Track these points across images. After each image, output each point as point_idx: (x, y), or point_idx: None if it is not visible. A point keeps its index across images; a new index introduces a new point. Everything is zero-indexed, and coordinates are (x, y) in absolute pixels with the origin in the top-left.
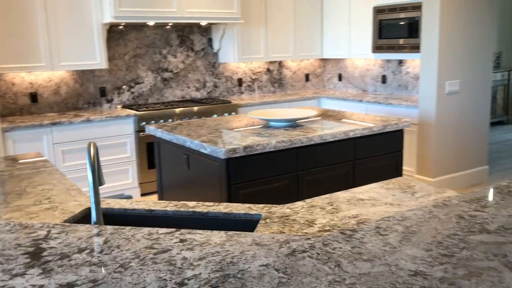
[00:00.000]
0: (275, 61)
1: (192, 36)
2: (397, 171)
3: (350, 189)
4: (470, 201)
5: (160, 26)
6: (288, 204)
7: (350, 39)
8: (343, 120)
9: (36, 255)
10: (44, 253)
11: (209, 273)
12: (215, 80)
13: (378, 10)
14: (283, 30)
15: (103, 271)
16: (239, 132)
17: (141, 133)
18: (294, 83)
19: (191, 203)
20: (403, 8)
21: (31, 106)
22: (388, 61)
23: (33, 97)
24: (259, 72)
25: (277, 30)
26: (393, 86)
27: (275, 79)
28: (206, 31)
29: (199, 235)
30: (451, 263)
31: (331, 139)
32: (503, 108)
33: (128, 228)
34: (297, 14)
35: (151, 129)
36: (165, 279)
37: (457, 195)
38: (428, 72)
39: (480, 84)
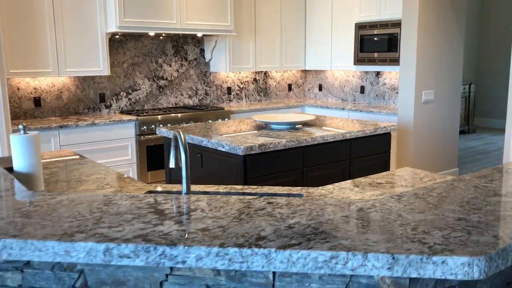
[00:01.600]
0: (261, 72)
1: (186, 46)
2: (385, 170)
3: (367, 176)
4: (479, 177)
5: (156, 37)
6: (320, 187)
7: (332, 52)
8: (337, 124)
9: (160, 212)
10: (166, 212)
11: (306, 221)
12: (206, 88)
13: (359, 26)
14: (270, 42)
15: (223, 221)
16: (247, 133)
17: (142, 137)
18: (278, 92)
19: (238, 186)
20: (383, 24)
21: (34, 110)
22: (366, 72)
23: (37, 101)
24: (246, 81)
25: (265, 42)
26: (371, 96)
27: (261, 88)
28: (199, 42)
29: (280, 199)
30: (482, 213)
31: (331, 140)
32: (464, 118)
33: (218, 196)
34: (283, 28)
35: (164, 131)
36: (275, 225)
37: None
38: (406, 82)
39: (451, 95)
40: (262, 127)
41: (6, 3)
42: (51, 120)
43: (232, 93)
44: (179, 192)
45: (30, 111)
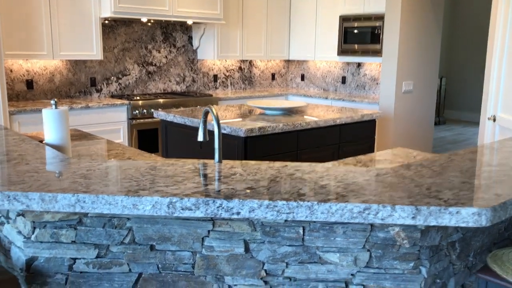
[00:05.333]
0: (246, 60)
1: (175, 33)
2: None
3: (366, 154)
4: (470, 152)
5: (147, 23)
6: (325, 163)
7: (316, 43)
8: (327, 111)
9: (205, 176)
10: (210, 175)
11: (335, 183)
12: (194, 75)
13: (344, 19)
14: (257, 32)
15: (263, 182)
16: (243, 118)
17: (134, 121)
18: (262, 81)
19: (252, 162)
20: (366, 18)
21: (26, 93)
22: (348, 64)
23: (29, 84)
24: (232, 69)
25: (251, 31)
26: (352, 86)
27: (246, 76)
28: (187, 29)
29: (305, 166)
30: (481, 178)
31: (323, 125)
32: (435, 110)
33: (250, 163)
34: (269, 18)
35: (161, 114)
36: (309, 185)
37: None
38: (388, 73)
39: (428, 86)
40: (259, 112)
41: None
42: (44, 103)
43: (218, 81)
44: None
45: (22, 93)
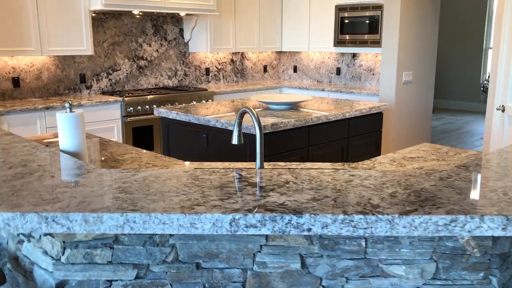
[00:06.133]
0: (238, 53)
1: (166, 26)
2: (376, 148)
3: (395, 151)
4: (506, 152)
5: (136, 15)
6: (359, 162)
7: (310, 34)
8: (332, 104)
9: (253, 184)
10: (261, 184)
11: (402, 190)
12: (185, 69)
13: (340, 8)
14: (249, 23)
15: (325, 192)
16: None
17: (128, 118)
18: (254, 73)
19: (281, 163)
20: (364, 7)
21: (13, 91)
22: (343, 54)
23: (16, 82)
24: (224, 62)
25: (244, 23)
26: (347, 78)
27: (238, 69)
28: (178, 21)
29: (358, 171)
30: None
31: (334, 119)
32: None
33: (297, 169)
34: (261, 9)
35: (163, 111)
36: (377, 194)
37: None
38: (388, 64)
39: (427, 75)
40: (263, 106)
41: None
42: (33, 102)
43: (210, 74)
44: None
45: (8, 91)
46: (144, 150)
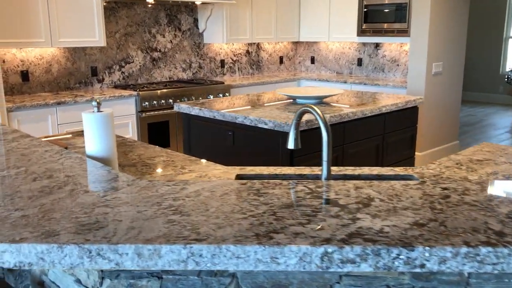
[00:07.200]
0: (253, 43)
1: (180, 15)
2: (411, 145)
3: (457, 153)
4: None
5: (149, 4)
6: (417, 168)
7: (330, 23)
8: (363, 98)
9: (335, 203)
10: (345, 204)
11: (510, 206)
12: (200, 61)
13: None
14: (267, 12)
15: (425, 213)
16: (276, 109)
17: (143, 114)
18: (270, 65)
19: (336, 168)
20: None
21: (22, 85)
22: (364, 44)
23: (24, 75)
24: (239, 53)
25: (261, 12)
26: (369, 69)
27: (253, 61)
28: (192, 10)
29: (451, 184)
30: None
31: (370, 114)
32: None
33: (375, 181)
34: None
35: (184, 107)
36: (492, 216)
37: None
38: (417, 54)
39: (456, 66)
40: (289, 101)
41: None
42: (42, 97)
43: (226, 66)
44: (279, 175)
45: (17, 86)
46: (173, 151)
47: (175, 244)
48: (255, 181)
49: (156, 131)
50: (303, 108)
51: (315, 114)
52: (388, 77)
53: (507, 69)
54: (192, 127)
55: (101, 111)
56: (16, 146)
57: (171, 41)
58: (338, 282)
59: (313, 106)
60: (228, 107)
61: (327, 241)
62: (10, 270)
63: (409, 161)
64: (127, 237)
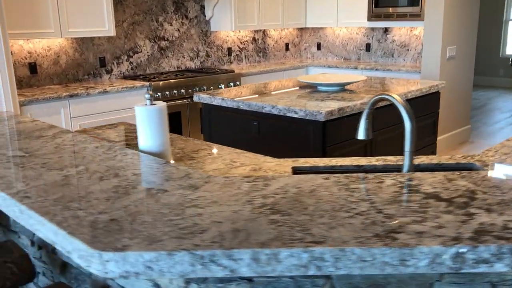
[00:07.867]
0: (260, 30)
1: (187, 3)
2: (433, 130)
3: (501, 142)
4: None
5: None
6: (476, 155)
7: (338, 8)
8: (379, 83)
9: (436, 197)
10: (446, 197)
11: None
12: (207, 49)
13: None
14: None
15: (508, 199)
16: (299, 97)
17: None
18: (276, 52)
19: (392, 158)
20: None
21: (30, 78)
22: (373, 29)
23: (32, 67)
24: (246, 41)
25: None
26: (378, 54)
27: (260, 48)
28: None
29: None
30: None
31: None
32: None
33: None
34: None
35: (204, 97)
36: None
37: None
38: (432, 38)
39: (468, 49)
40: (310, 88)
41: None
42: (52, 89)
43: (233, 54)
44: (335, 167)
45: (26, 78)
46: (210, 143)
47: (293, 247)
48: (337, 175)
49: (170, 123)
50: (378, 96)
51: (396, 102)
52: (398, 62)
53: (508, 53)
54: (212, 117)
55: (154, 104)
56: (62, 143)
57: (178, 29)
58: (438, 280)
59: (390, 94)
60: (246, 95)
61: (457, 240)
62: (62, 271)
63: (431, 147)
64: (238, 241)
